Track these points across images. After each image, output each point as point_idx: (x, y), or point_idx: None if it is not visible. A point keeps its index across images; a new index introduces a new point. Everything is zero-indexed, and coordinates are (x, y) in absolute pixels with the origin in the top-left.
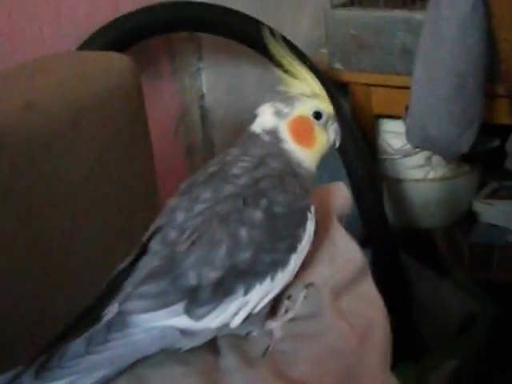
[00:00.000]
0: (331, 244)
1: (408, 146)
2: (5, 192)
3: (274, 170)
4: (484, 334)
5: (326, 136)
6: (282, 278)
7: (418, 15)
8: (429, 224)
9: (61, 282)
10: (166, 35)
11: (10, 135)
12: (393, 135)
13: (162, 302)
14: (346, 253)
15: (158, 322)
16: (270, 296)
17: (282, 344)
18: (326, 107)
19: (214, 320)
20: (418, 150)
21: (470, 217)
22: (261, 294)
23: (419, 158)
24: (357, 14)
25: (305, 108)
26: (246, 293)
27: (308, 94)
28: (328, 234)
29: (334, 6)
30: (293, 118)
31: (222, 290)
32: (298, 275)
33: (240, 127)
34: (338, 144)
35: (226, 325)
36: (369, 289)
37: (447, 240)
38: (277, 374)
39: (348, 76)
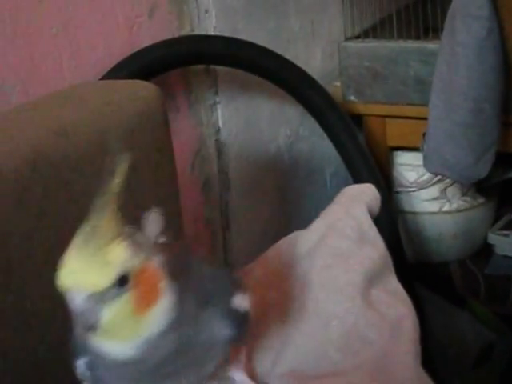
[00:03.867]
0: (360, 231)
1: (423, 178)
2: (37, 214)
3: None
4: (502, 365)
5: None
6: None
7: (431, 45)
8: (444, 256)
9: None
10: (183, 70)
11: (44, 159)
12: (407, 168)
13: None
14: (372, 242)
15: None
16: None
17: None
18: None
19: None
20: (433, 181)
21: (486, 249)
22: None
23: (434, 190)
24: (370, 45)
25: None
26: None
27: None
28: (357, 223)
29: (348, 39)
30: None
31: None
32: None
33: (254, 161)
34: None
35: None
36: (395, 284)
37: (463, 272)
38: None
39: (362, 108)
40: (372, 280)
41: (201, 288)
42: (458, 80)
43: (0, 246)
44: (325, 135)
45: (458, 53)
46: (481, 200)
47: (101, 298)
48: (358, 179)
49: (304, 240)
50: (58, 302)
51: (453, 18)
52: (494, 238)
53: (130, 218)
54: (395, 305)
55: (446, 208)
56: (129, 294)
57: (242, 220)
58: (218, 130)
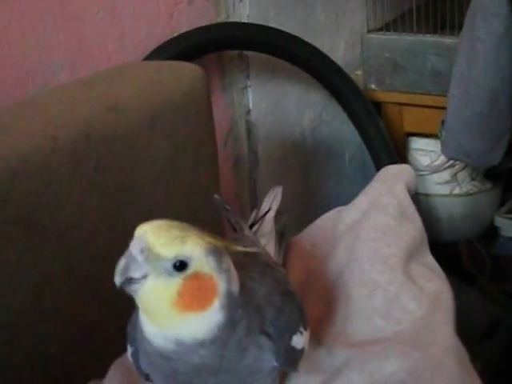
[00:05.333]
0: (400, 208)
1: (436, 163)
2: (89, 184)
3: None
4: (507, 339)
5: None
6: None
7: (447, 40)
8: (453, 237)
9: None
10: (218, 54)
11: (97, 133)
12: (422, 153)
13: None
14: (411, 219)
15: None
16: None
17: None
18: None
19: None
20: (445, 166)
21: (492, 231)
22: None
23: (446, 174)
24: (391, 38)
25: None
26: None
27: None
28: (397, 201)
29: (371, 31)
30: None
31: None
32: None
33: (280, 141)
34: None
35: None
36: (431, 260)
37: (470, 252)
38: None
39: (381, 96)
40: (411, 255)
41: (261, 319)
42: (476, 73)
43: (54, 213)
44: (345, 120)
45: (477, 47)
46: (488, 185)
47: (153, 260)
48: (378, 162)
49: (347, 214)
50: (105, 267)
51: (473, 15)
52: (500, 221)
53: (176, 191)
54: (433, 279)
55: (456, 191)
56: (179, 280)
57: None
58: (249, 112)
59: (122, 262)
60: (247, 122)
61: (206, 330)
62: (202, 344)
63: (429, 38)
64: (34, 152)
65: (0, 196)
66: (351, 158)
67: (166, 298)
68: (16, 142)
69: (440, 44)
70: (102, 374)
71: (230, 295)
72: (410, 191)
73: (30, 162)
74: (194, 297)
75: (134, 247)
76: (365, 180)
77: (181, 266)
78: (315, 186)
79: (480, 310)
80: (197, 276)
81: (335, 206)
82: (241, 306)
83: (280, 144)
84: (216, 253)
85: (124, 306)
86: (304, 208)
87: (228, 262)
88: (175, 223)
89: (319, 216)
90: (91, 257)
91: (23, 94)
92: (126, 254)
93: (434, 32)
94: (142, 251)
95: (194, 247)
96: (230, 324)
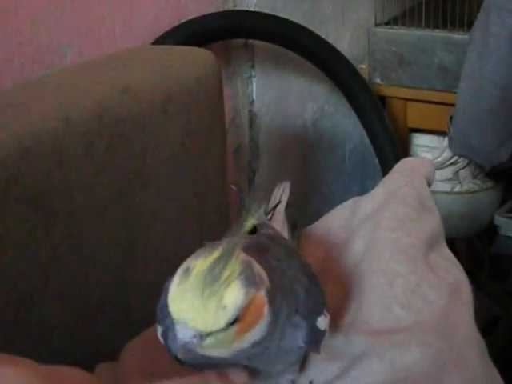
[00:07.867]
0: (419, 199)
1: (438, 160)
2: (100, 167)
3: None
4: (505, 337)
5: None
6: None
7: (456, 35)
8: (452, 234)
9: (143, 258)
10: (224, 44)
11: (109, 114)
12: (424, 149)
13: None
14: (430, 211)
15: None
16: None
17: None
18: None
19: None
20: (447, 163)
21: (492, 229)
22: None
23: (447, 172)
24: (399, 32)
25: None
26: None
27: None
28: (417, 192)
29: (378, 24)
30: None
31: None
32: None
33: (282, 132)
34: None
35: None
36: (449, 253)
37: (469, 250)
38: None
39: (386, 90)
40: (431, 245)
41: (295, 299)
42: (488, 69)
43: (64, 194)
44: (347, 114)
45: (491, 44)
46: (489, 184)
47: (208, 335)
48: (381, 156)
49: (366, 204)
50: (113, 250)
51: (487, 11)
52: (500, 220)
53: (185, 177)
54: (452, 270)
55: (457, 189)
56: (235, 326)
57: (266, 187)
58: (252, 102)
59: (180, 352)
60: (250, 112)
61: (261, 331)
62: (254, 345)
63: (437, 33)
64: (47, 132)
65: (11, 175)
66: (351, 152)
67: (226, 342)
68: (29, 121)
69: (448, 39)
70: (108, 356)
71: (267, 289)
72: (428, 184)
73: (42, 142)
74: (250, 322)
75: (186, 337)
76: (363, 174)
77: (234, 321)
78: (314, 178)
79: (478, 308)
80: (247, 310)
81: (333, 199)
82: (277, 290)
83: (281, 135)
84: (249, 279)
85: (131, 289)
86: (302, 200)
87: (256, 268)
88: (199, 281)
89: (317, 208)
90: (99, 238)
91: (30, 74)
92: (179, 342)
93: (443, 27)
94: (194, 337)
95: (234, 301)
96: (275, 313)
